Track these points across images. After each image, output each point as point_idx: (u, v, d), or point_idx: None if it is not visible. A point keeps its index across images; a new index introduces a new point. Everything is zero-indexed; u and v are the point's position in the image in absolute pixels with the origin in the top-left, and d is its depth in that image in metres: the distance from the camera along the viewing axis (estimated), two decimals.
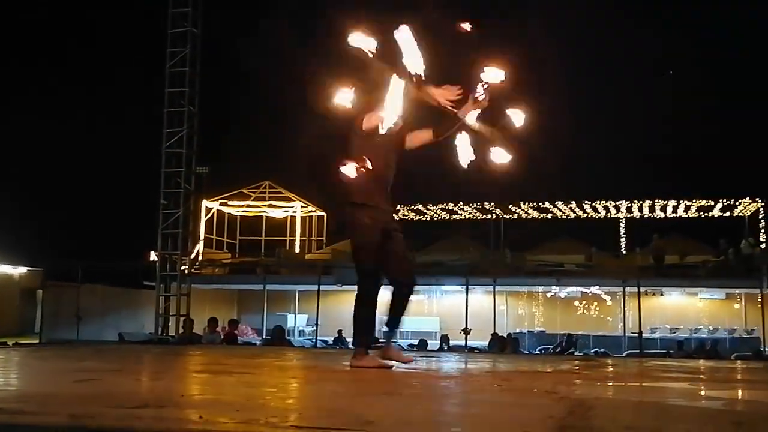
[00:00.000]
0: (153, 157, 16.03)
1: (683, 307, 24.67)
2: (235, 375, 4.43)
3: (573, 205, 24.03)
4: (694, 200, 23.15)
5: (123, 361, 5.79)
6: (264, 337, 21.24)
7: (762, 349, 17.47)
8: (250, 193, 26.72)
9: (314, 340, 21.58)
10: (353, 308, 4.92)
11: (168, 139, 15.61)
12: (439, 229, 26.19)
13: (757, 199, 22.38)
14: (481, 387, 4.23)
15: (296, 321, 25.25)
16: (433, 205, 24.93)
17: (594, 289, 24.64)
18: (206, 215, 26.04)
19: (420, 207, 25.12)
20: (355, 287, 4.95)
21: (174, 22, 15.63)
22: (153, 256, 17.66)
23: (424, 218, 26.21)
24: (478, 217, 25.70)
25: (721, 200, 23.05)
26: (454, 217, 25.86)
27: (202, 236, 25.45)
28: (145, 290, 20.57)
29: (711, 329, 23.40)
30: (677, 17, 30.21)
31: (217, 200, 26.45)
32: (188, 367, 5.56)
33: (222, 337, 15.04)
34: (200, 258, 24.55)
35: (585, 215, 25.06)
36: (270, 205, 27.45)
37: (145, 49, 21.08)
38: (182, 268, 16.18)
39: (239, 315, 25.73)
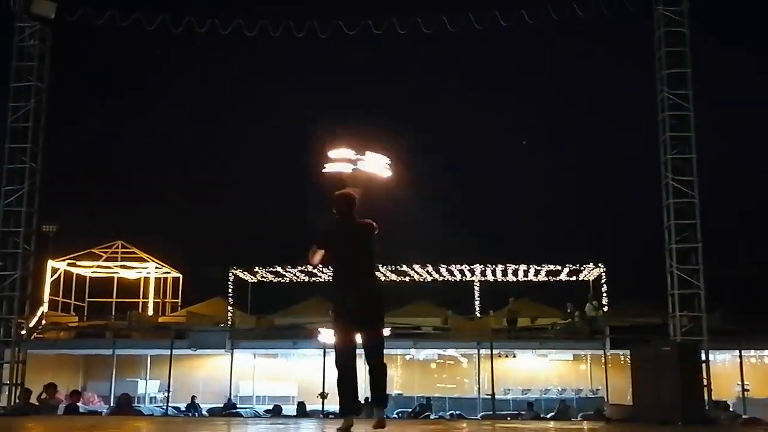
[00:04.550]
0: None
1: (534, 369, 25.44)
2: None
3: (429, 268, 24.49)
4: (543, 265, 24.13)
5: None
6: (111, 405, 20.21)
7: (603, 409, 18.16)
8: (101, 253, 25.61)
9: (165, 408, 20.79)
10: (383, 374, 5.73)
11: (6, 197, 14.83)
12: (297, 292, 25.99)
13: (599, 264, 23.60)
14: None
15: (147, 387, 24.17)
16: (292, 268, 24.75)
17: (450, 352, 25.03)
18: (52, 276, 24.73)
19: (279, 269, 24.88)
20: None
21: (18, 75, 15.00)
22: None
23: (283, 280, 25.96)
24: None
25: (567, 265, 24.14)
26: (313, 279, 25.76)
27: (46, 298, 24.12)
28: None
29: (560, 389, 24.21)
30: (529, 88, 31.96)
31: (64, 260, 25.20)
32: None
33: (64, 403, 14.15)
34: (43, 322, 23.23)
35: (441, 278, 25.58)
36: (122, 266, 26.41)
37: None
38: (21, 332, 15.24)
39: (85, 382, 24.40)
